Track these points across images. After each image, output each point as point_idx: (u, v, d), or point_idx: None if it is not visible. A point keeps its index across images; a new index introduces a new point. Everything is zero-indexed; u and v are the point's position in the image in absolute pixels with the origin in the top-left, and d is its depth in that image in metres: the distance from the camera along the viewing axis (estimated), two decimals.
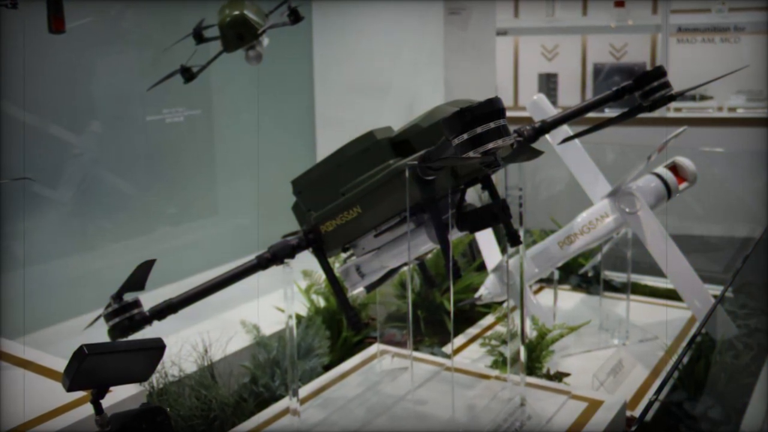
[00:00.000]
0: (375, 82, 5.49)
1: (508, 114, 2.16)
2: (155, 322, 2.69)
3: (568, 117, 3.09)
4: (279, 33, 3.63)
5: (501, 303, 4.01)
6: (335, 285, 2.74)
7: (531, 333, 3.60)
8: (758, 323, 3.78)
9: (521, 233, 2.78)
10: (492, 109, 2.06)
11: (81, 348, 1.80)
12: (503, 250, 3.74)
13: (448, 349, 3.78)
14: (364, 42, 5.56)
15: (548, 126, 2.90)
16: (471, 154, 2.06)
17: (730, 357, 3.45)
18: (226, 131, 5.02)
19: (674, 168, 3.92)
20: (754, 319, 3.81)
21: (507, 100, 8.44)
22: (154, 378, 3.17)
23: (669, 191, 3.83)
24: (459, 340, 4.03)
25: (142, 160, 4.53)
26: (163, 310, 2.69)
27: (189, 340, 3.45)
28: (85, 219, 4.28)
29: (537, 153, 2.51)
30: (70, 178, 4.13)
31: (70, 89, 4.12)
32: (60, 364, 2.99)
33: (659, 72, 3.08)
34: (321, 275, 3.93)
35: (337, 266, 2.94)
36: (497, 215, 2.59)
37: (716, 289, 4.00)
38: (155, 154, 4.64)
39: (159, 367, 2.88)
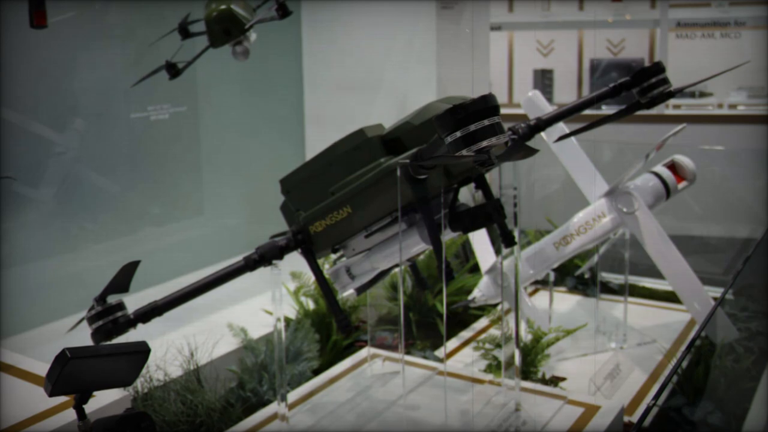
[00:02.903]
0: (366, 79, 5.45)
1: (502, 111, 2.13)
2: (140, 325, 2.66)
3: (564, 114, 3.05)
4: (267, 28, 3.57)
5: (495, 305, 3.97)
6: (325, 287, 2.71)
7: (526, 336, 3.55)
8: (759, 326, 3.76)
9: (516, 234, 2.74)
10: (486, 106, 2.03)
11: (64, 351, 1.77)
12: (497, 251, 3.69)
13: (440, 352, 3.73)
14: (354, 37, 5.51)
15: (543, 123, 2.86)
16: (464, 152, 2.02)
17: (730, 361, 3.42)
18: (212, 129, 4.96)
19: (673, 166, 3.87)
20: (755, 322, 3.79)
21: (501, 97, 8.40)
22: (139, 382, 3.12)
23: (668, 190, 3.79)
24: (452, 344, 3.98)
25: (126, 159, 4.46)
26: (148, 313, 2.67)
27: (174, 344, 3.39)
28: (67, 219, 4.20)
29: (532, 151, 2.45)
30: (51, 177, 4.06)
31: (52, 85, 4.05)
32: (42, 368, 2.94)
33: (658, 68, 3.04)
34: (310, 277, 3.88)
35: (326, 268, 2.90)
36: (491, 215, 2.55)
37: (716, 291, 3.98)
38: (139, 152, 4.57)
39: (144, 371, 2.82)
